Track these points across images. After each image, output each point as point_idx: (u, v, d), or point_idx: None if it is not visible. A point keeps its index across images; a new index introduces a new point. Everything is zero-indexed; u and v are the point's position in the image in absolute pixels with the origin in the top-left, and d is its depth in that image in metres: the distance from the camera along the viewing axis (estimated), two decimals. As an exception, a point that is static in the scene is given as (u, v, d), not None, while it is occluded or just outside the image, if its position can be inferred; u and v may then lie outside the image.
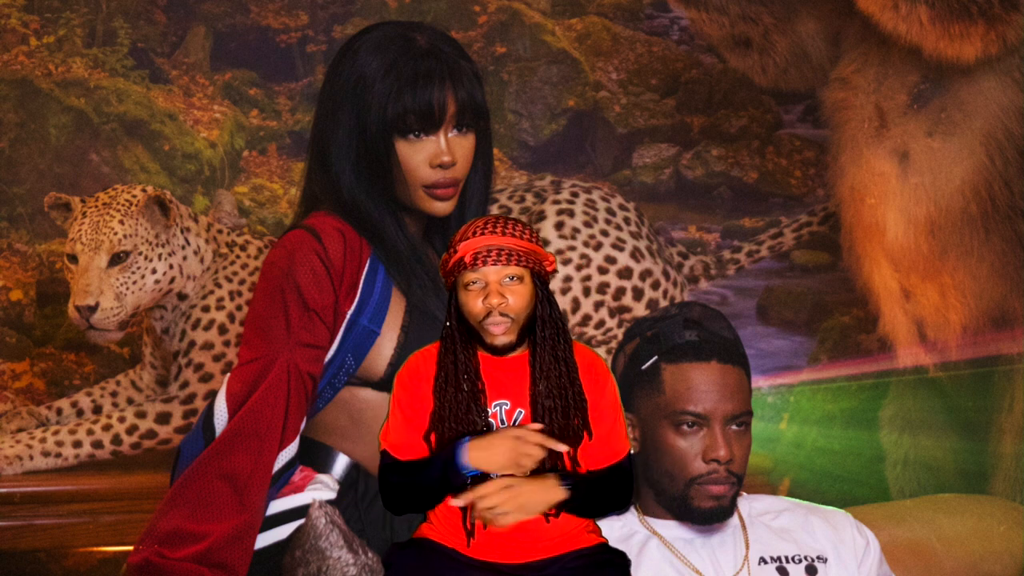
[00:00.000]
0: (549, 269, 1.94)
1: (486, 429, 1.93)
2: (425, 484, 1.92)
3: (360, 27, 2.32)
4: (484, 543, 1.95)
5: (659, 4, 4.96)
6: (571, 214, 3.99)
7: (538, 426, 1.91)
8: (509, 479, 1.90)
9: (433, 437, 1.93)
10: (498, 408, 1.94)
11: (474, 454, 1.89)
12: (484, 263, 1.90)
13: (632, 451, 2.03)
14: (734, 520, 2.32)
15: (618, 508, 2.04)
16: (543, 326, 1.94)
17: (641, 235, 4.08)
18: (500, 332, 1.91)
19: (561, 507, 1.93)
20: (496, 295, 1.90)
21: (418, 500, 1.95)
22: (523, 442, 1.89)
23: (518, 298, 1.91)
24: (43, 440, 3.84)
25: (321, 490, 2.17)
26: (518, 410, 1.94)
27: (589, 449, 1.97)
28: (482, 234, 1.91)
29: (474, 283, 1.91)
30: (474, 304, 1.91)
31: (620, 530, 2.28)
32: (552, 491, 1.92)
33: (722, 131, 4.91)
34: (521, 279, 1.91)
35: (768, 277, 4.80)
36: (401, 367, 2.01)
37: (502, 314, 1.90)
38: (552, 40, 4.91)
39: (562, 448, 1.90)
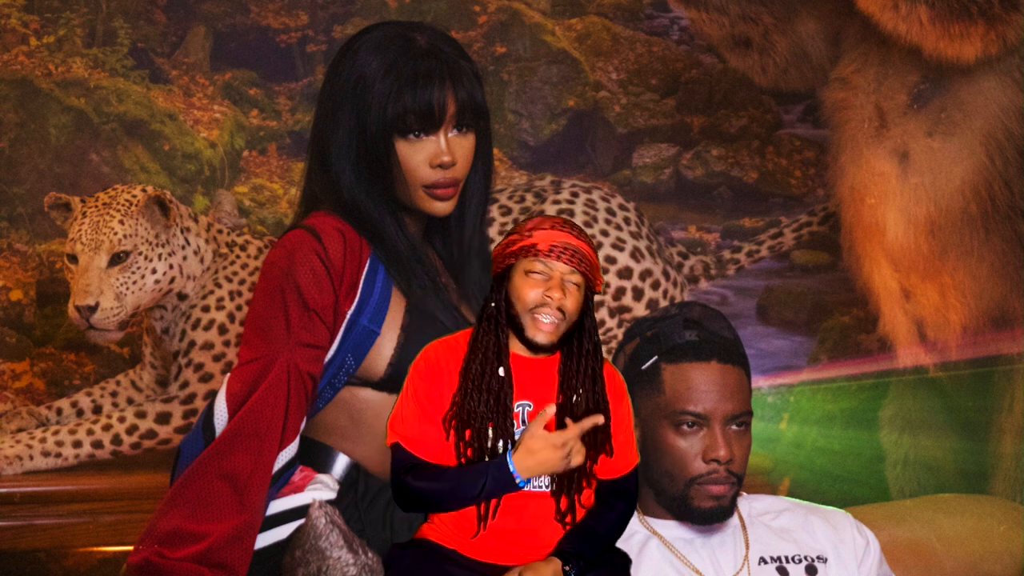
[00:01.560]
0: (597, 289, 1.98)
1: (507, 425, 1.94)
2: (469, 495, 1.92)
3: (360, 27, 2.32)
4: (485, 544, 1.95)
5: (659, 4, 4.96)
6: (571, 214, 3.99)
7: (551, 412, 1.92)
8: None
9: (454, 422, 1.93)
10: (521, 408, 1.95)
11: (521, 464, 1.90)
12: (559, 258, 1.93)
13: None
14: (734, 520, 2.32)
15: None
16: (586, 338, 1.97)
17: (641, 235, 4.08)
18: (548, 329, 1.93)
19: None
20: (559, 289, 1.92)
21: (449, 506, 1.95)
22: (563, 444, 1.91)
23: (574, 301, 1.94)
24: (43, 440, 3.84)
25: (321, 490, 2.17)
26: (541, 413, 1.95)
27: (601, 460, 1.99)
28: (560, 231, 1.95)
29: (538, 273, 1.94)
30: (531, 291, 1.93)
31: (620, 530, 2.28)
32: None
33: (722, 131, 4.91)
34: (579, 287, 1.95)
35: (768, 277, 4.80)
36: (417, 357, 2.02)
37: (559, 308, 1.92)
38: (552, 40, 4.91)
39: (599, 421, 1.93)
